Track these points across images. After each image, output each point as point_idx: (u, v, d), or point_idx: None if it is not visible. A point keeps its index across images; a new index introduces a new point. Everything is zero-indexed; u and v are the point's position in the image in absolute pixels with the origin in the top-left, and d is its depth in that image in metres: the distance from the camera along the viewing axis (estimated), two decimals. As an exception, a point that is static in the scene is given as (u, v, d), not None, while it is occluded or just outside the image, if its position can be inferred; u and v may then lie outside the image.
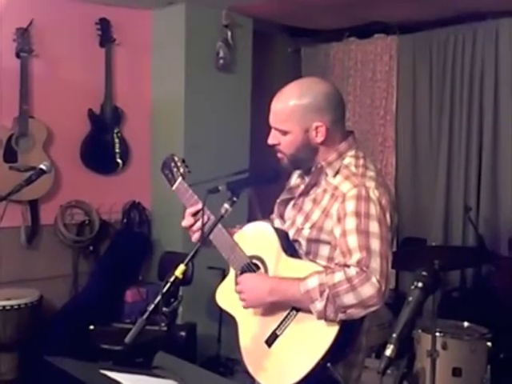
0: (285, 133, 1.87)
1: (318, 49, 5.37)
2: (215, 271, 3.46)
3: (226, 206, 1.83)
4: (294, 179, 2.07)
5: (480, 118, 4.47)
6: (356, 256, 1.70)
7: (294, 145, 1.88)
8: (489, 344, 3.28)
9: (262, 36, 4.89)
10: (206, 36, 4.41)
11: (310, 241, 1.86)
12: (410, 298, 1.35)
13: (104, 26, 4.27)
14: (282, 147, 1.90)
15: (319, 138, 1.86)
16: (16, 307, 3.55)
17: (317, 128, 1.85)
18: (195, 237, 2.04)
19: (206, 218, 1.95)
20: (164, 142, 4.48)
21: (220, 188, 1.86)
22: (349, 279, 1.68)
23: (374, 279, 1.67)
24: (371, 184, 1.80)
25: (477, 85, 4.47)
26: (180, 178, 2.10)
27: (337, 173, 1.86)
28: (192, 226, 2.04)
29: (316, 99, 1.85)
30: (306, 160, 1.92)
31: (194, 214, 2.04)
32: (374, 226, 1.74)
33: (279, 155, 1.94)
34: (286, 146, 1.89)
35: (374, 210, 1.75)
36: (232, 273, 2.02)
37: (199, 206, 2.01)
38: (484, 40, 4.42)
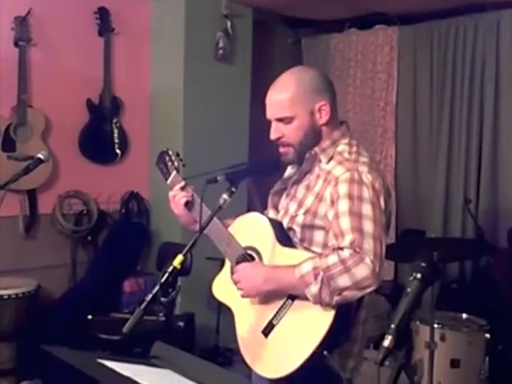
0: (290, 120, 1.88)
1: (319, 40, 5.34)
2: (214, 262, 3.44)
3: (225, 196, 1.83)
4: (288, 170, 2.08)
5: (480, 110, 4.46)
6: (348, 237, 1.71)
7: (301, 130, 1.89)
8: (487, 336, 3.28)
9: (262, 26, 4.86)
10: (206, 26, 4.38)
11: (304, 227, 1.86)
12: (409, 289, 1.35)
13: (103, 15, 4.24)
14: (287, 137, 1.90)
15: (324, 118, 1.89)
16: (13, 296, 3.54)
17: (321, 107, 1.88)
18: (179, 209, 2.06)
19: (197, 206, 1.95)
20: (163, 132, 4.46)
21: (218, 178, 1.86)
22: (343, 261, 1.68)
23: (367, 260, 1.67)
24: (364, 168, 1.81)
25: (477, 76, 4.46)
26: (174, 172, 2.11)
27: (330, 159, 1.88)
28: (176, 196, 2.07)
29: (313, 81, 1.90)
30: (313, 146, 1.91)
31: (182, 189, 2.07)
32: (366, 209, 1.74)
33: (283, 149, 1.93)
34: (292, 133, 1.89)
35: (366, 193, 1.76)
36: (228, 264, 2.03)
37: (183, 183, 2.07)
38: (485, 31, 4.41)
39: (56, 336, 3.51)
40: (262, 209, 2.18)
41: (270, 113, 1.92)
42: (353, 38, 5.13)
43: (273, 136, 1.92)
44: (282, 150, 1.93)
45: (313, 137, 1.90)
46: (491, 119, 4.40)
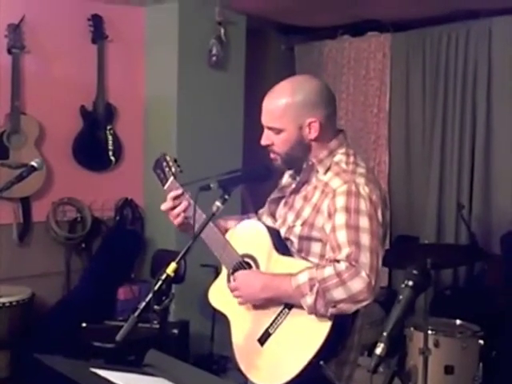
0: (279, 131, 1.88)
1: (312, 46, 5.36)
2: (208, 269, 3.46)
3: (218, 203, 1.82)
4: (286, 178, 2.08)
5: (473, 117, 4.48)
6: (345, 251, 1.71)
7: (288, 143, 1.88)
8: (481, 342, 3.29)
9: (255, 33, 4.88)
10: (199, 33, 4.39)
11: (301, 238, 1.86)
12: (401, 297, 1.35)
13: (96, 22, 4.24)
14: (275, 147, 1.91)
15: (312, 134, 1.87)
16: (7, 305, 3.53)
17: (310, 124, 1.86)
18: (178, 221, 2.04)
19: (197, 215, 1.94)
20: (157, 139, 4.46)
21: (212, 185, 1.85)
22: (338, 274, 1.68)
23: (363, 273, 1.67)
24: (361, 180, 1.80)
25: (470, 83, 4.48)
26: (172, 178, 2.10)
27: (327, 170, 1.87)
28: (172, 209, 2.04)
29: (308, 95, 1.87)
30: (300, 158, 1.92)
31: (175, 199, 2.05)
32: (363, 222, 1.74)
33: (272, 156, 1.93)
34: (280, 144, 1.89)
35: (364, 205, 1.76)
36: (224, 272, 2.02)
37: (180, 191, 2.04)
38: (477, 38, 4.43)
39: (50, 344, 3.50)
40: (255, 215, 2.18)
41: (263, 119, 1.92)
42: (345, 44, 5.15)
43: (263, 142, 1.93)
44: (272, 155, 1.94)
45: (300, 150, 1.89)
46: (484, 125, 4.42)
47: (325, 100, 1.89)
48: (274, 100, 1.89)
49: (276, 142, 1.90)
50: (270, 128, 1.90)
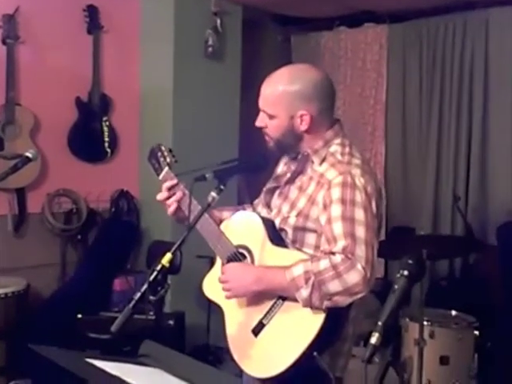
0: (271, 117, 1.89)
1: (308, 37, 5.35)
2: (204, 260, 3.44)
3: (213, 194, 1.82)
4: (281, 168, 2.07)
5: (469, 107, 4.48)
6: (341, 243, 1.70)
7: (279, 130, 1.89)
8: (476, 333, 3.30)
9: (251, 24, 4.86)
10: (195, 23, 4.37)
11: (296, 229, 1.86)
12: (396, 287, 1.35)
13: (92, 12, 4.21)
14: (268, 130, 1.92)
15: (303, 127, 1.87)
16: (3, 296, 3.52)
17: (301, 116, 1.86)
18: (170, 210, 2.05)
19: (192, 206, 1.94)
20: (152, 131, 4.45)
21: (207, 176, 1.85)
22: (334, 266, 1.68)
23: (359, 266, 1.67)
24: (357, 171, 1.80)
25: (467, 74, 4.48)
26: (166, 168, 2.09)
27: (323, 160, 1.87)
28: (167, 199, 2.05)
29: (304, 87, 1.86)
30: (291, 146, 1.92)
31: (170, 189, 2.05)
32: (359, 213, 1.74)
33: (267, 138, 1.95)
34: (272, 129, 1.90)
35: (359, 197, 1.75)
36: (218, 262, 2.02)
37: (175, 181, 2.04)
38: (474, 29, 4.42)
39: (46, 335, 3.49)
40: (251, 204, 2.18)
41: (259, 101, 1.93)
42: (342, 35, 5.14)
43: (257, 123, 1.94)
44: (266, 137, 1.95)
45: (291, 139, 1.89)
46: (480, 116, 4.42)
47: (321, 93, 1.88)
48: (271, 86, 1.89)
49: (269, 125, 1.91)
50: (264, 112, 1.91)
